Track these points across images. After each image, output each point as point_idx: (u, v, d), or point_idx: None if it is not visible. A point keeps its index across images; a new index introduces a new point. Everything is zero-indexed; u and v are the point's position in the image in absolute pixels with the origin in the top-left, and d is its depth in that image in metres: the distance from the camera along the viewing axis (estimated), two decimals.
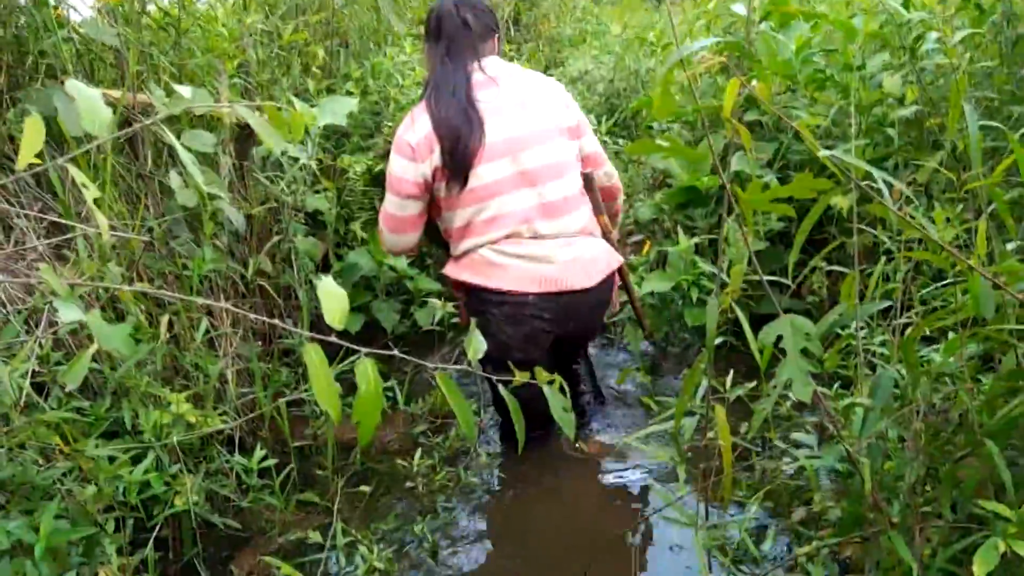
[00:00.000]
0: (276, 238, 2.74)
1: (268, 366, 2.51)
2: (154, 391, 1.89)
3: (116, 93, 2.32)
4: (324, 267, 3.22)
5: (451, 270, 2.23)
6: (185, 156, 1.12)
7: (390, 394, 2.58)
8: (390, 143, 2.27)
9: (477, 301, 2.18)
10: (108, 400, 1.79)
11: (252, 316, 1.30)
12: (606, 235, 2.34)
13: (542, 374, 1.28)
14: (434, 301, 3.28)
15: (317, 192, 2.91)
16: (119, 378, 1.81)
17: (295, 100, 2.74)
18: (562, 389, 1.25)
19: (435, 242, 2.44)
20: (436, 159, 2.09)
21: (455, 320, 3.20)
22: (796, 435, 1.65)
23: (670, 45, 4.08)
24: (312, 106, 2.80)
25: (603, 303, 2.30)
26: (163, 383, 2.02)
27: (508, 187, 2.11)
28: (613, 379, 2.90)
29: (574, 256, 2.15)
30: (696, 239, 3.03)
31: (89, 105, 0.97)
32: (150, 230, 2.28)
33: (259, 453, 2.01)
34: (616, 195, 2.49)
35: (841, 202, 2.60)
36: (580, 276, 2.14)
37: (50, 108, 2.04)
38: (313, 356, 1.03)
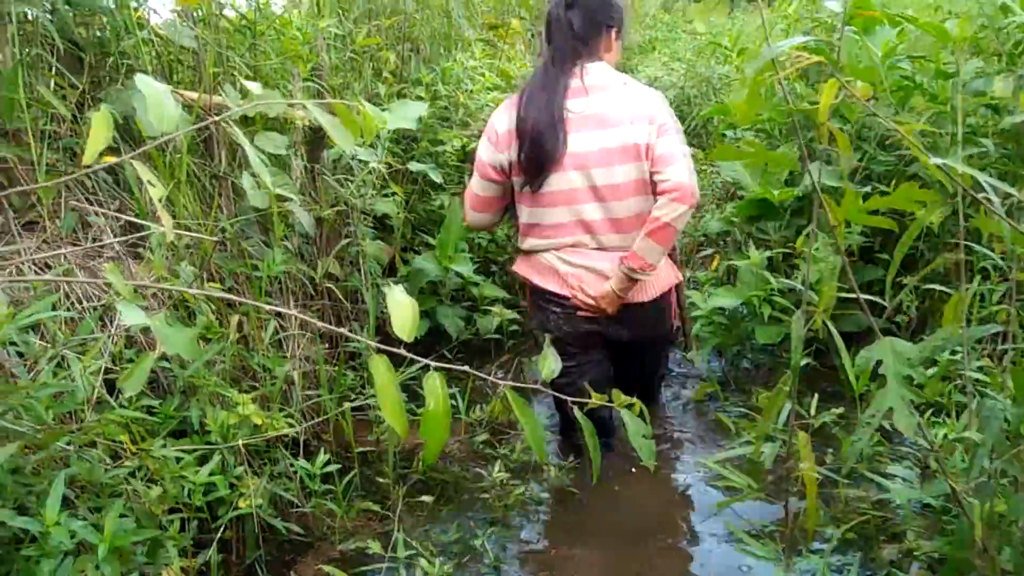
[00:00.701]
0: (344, 241, 2.74)
1: (334, 369, 2.50)
2: (222, 391, 1.88)
3: (192, 94, 2.35)
4: (391, 271, 3.22)
5: (520, 268, 2.34)
6: (254, 157, 1.09)
7: (453, 402, 2.54)
8: (485, 123, 2.36)
9: (540, 298, 2.28)
10: (177, 399, 1.80)
11: (319, 323, 1.28)
12: (670, 255, 2.32)
13: (620, 397, 1.22)
14: (497, 308, 3.26)
15: (385, 196, 2.91)
16: (188, 377, 1.82)
17: (366, 104, 2.74)
18: (641, 414, 1.19)
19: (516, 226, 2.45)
20: (513, 153, 2.17)
21: (515, 327, 3.17)
22: (893, 467, 1.50)
23: (746, 50, 3.96)
24: (383, 110, 2.81)
25: (658, 317, 2.31)
26: (231, 383, 2.02)
27: (578, 198, 2.14)
28: (685, 392, 2.83)
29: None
30: (769, 253, 2.91)
31: (156, 100, 0.96)
32: (223, 230, 2.29)
33: (322, 458, 1.99)
34: (660, 238, 2.09)
35: (933, 219, 2.46)
36: (637, 290, 2.19)
37: (129, 108, 2.07)
38: (381, 368, 1.00)
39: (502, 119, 2.20)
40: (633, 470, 2.30)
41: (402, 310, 1.06)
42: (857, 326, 2.84)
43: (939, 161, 0.94)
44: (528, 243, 2.26)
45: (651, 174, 2.10)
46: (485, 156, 2.25)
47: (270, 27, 2.91)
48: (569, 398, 1.22)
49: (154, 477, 1.55)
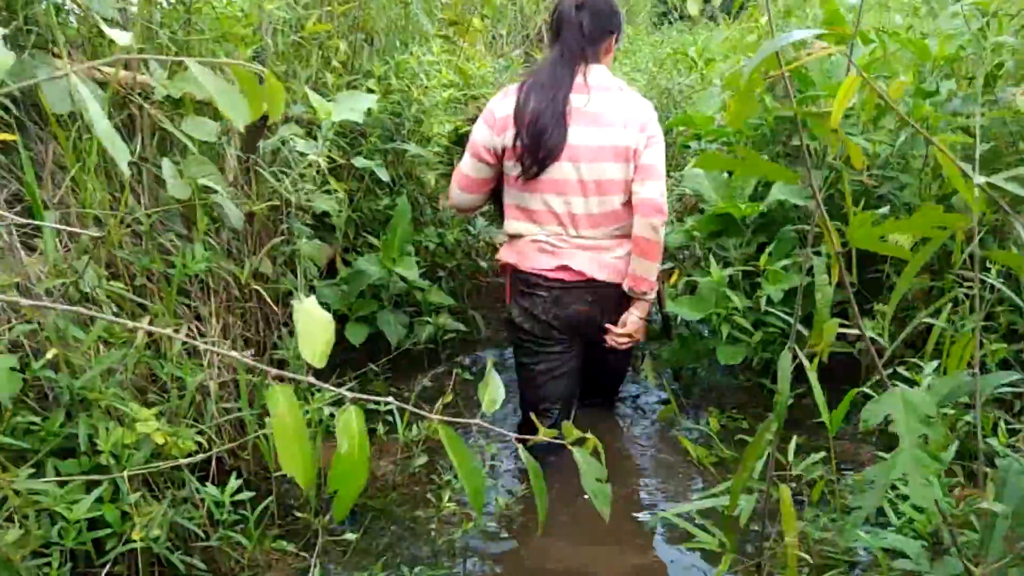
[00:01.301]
0: (278, 239, 2.51)
1: (258, 378, 2.27)
2: (119, 404, 1.65)
3: (116, 72, 2.11)
4: (331, 272, 3.00)
5: (504, 255, 2.42)
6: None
7: (389, 419, 2.34)
8: (480, 109, 2.48)
9: (525, 284, 2.35)
10: (60, 415, 1.56)
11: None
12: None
13: (570, 431, 1.04)
14: (441, 317, 3.06)
15: (328, 192, 2.68)
16: (79, 388, 1.58)
17: (311, 92, 2.50)
18: (596, 453, 1.01)
19: (499, 210, 2.55)
20: (508, 139, 2.24)
21: (450, 337, 2.99)
22: (896, 539, 1.29)
23: (713, 61, 3.85)
24: (328, 100, 2.57)
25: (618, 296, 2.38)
26: (135, 395, 1.79)
27: (566, 189, 2.25)
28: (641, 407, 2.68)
29: (624, 253, 2.32)
30: (730, 270, 2.77)
31: None
32: (136, 222, 2.05)
33: (234, 483, 1.76)
34: (648, 253, 2.28)
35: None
36: (613, 273, 2.32)
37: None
38: (280, 403, 0.80)
39: (502, 106, 2.27)
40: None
41: (313, 328, 0.86)
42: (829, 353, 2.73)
43: (984, 180, 0.78)
44: (514, 227, 2.37)
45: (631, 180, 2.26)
46: (480, 138, 2.31)
47: (208, 3, 2.68)
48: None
49: (13, 515, 1.31)
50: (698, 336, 2.88)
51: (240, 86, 0.81)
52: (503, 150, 2.28)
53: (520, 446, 1.02)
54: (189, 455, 1.73)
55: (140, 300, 2.02)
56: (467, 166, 2.38)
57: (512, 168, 2.29)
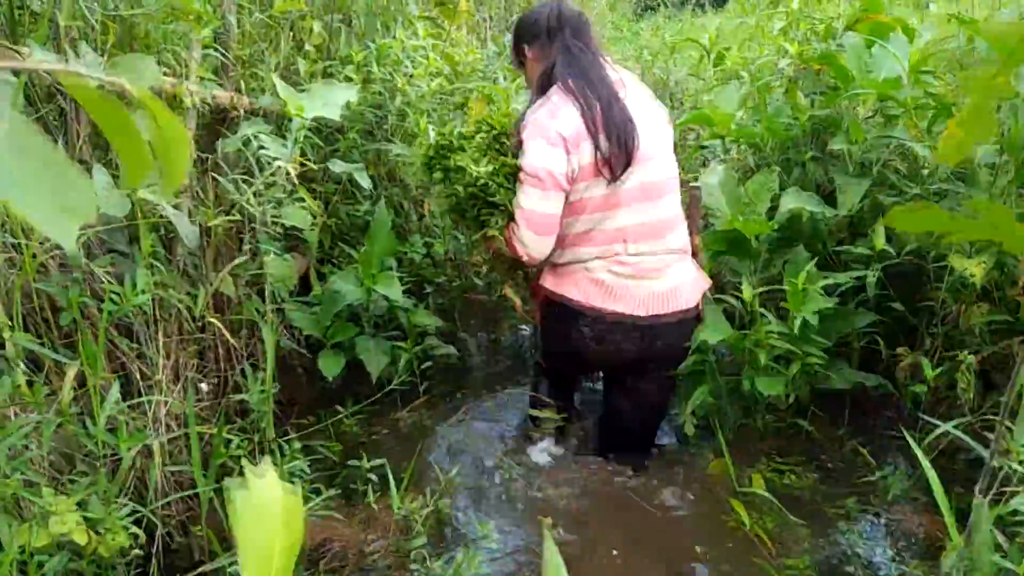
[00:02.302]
0: (240, 259, 2.13)
1: (214, 432, 1.89)
2: (29, 495, 1.27)
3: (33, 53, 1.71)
4: (304, 287, 2.62)
5: (551, 283, 2.12)
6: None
7: (374, 480, 1.97)
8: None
9: (568, 316, 2.07)
10: None
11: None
12: (695, 255, 2.29)
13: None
14: (434, 343, 2.70)
15: (300, 200, 2.30)
16: None
17: (280, 82, 2.09)
18: None
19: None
20: (586, 155, 1.95)
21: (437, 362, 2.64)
22: None
23: (728, 51, 3.49)
24: (301, 91, 2.18)
25: (692, 329, 2.17)
26: (54, 472, 1.42)
27: (637, 195, 2.02)
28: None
29: (678, 275, 2.11)
30: (754, 291, 2.42)
31: None
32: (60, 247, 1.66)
33: None
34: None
35: (975, 271, 2.03)
36: (680, 298, 2.09)
37: None
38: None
39: (562, 121, 1.95)
40: None
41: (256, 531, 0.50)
42: (847, 382, 2.41)
43: None
44: (573, 254, 2.08)
45: None
46: (555, 165, 1.95)
47: None
48: None
49: None
50: (723, 364, 2.51)
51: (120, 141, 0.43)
52: (577, 170, 1.97)
53: None
54: (123, 551, 1.36)
55: (66, 342, 1.64)
56: (544, 205, 1.98)
57: (586, 190, 1.98)
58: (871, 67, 2.56)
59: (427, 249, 2.98)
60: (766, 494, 1.93)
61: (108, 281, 1.69)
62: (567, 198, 2.00)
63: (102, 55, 1.93)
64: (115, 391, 1.50)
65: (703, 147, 3.05)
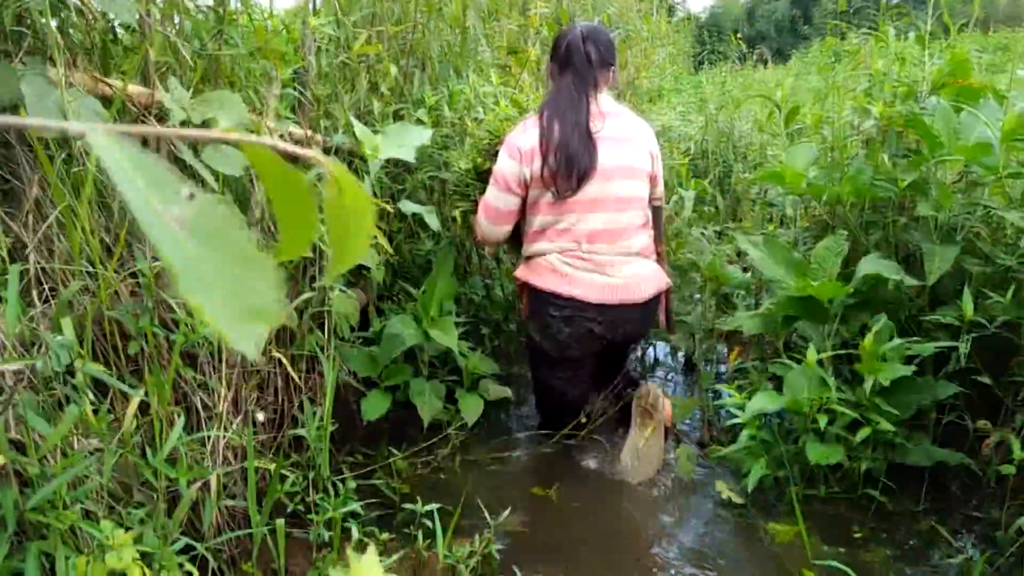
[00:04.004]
0: (308, 294, 2.13)
1: (271, 467, 1.87)
2: (88, 527, 1.26)
3: (124, 85, 1.75)
4: (363, 323, 2.61)
5: (522, 273, 2.50)
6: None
7: (427, 521, 1.92)
8: (493, 141, 2.57)
9: (539, 302, 2.45)
10: (4, 545, 1.16)
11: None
12: (660, 260, 2.63)
13: None
14: (490, 387, 2.66)
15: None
16: (30, 509, 1.19)
17: (356, 122, 2.11)
18: None
19: (514, 244, 2.64)
20: (536, 168, 2.35)
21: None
22: None
23: (799, 108, 3.43)
24: (375, 132, 2.19)
25: (650, 316, 2.56)
26: (112, 502, 1.40)
27: (589, 206, 2.37)
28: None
29: (632, 272, 2.44)
30: (821, 355, 2.32)
31: None
32: (140, 273, 1.68)
33: None
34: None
35: None
36: (634, 291, 2.43)
37: (15, 94, 1.46)
38: None
39: (525, 138, 2.37)
40: None
41: None
42: (928, 459, 2.29)
43: None
44: (534, 247, 2.45)
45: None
46: (509, 171, 2.38)
47: (246, 14, 2.33)
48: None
49: None
50: (781, 435, 2.41)
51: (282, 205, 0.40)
52: (530, 178, 2.37)
53: None
54: None
55: (133, 369, 1.64)
56: (498, 200, 2.43)
57: (538, 193, 2.39)
58: (960, 132, 2.48)
59: (487, 291, 2.96)
60: (844, 568, 1.81)
61: (177, 310, 1.70)
62: (527, 198, 2.42)
63: (188, 89, 1.97)
64: (180, 424, 1.49)
65: (771, 204, 2.97)
